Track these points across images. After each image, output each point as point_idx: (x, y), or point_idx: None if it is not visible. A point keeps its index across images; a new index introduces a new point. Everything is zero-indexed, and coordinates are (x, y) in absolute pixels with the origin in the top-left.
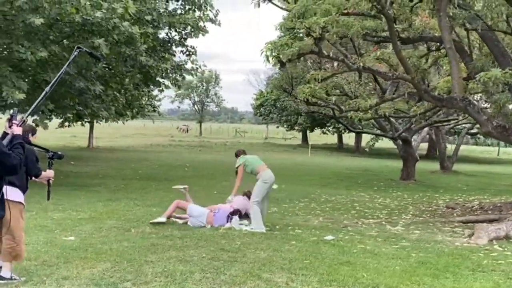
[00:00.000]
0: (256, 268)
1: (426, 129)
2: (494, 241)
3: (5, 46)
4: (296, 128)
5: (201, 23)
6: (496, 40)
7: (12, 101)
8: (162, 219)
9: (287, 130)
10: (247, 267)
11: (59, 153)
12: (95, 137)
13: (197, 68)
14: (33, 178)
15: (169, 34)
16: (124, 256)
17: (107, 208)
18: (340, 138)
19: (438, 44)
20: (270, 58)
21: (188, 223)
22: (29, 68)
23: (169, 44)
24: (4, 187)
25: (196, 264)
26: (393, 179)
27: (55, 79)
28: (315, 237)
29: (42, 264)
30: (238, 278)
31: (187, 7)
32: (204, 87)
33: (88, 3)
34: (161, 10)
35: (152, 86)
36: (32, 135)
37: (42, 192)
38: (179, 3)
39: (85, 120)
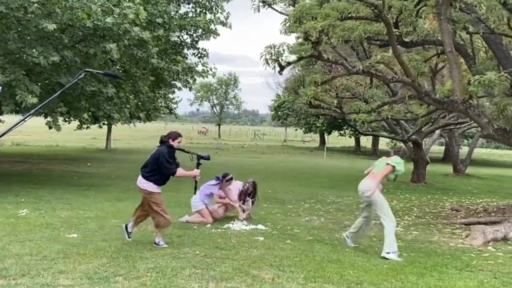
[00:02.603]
0: (246, 265)
1: (438, 131)
2: (490, 242)
3: (19, 51)
4: (314, 130)
5: (212, 26)
6: (499, 43)
7: (26, 105)
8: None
9: (304, 133)
10: (237, 264)
11: (203, 155)
12: (113, 139)
13: (207, 70)
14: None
15: (180, 37)
16: (121, 252)
17: (113, 208)
18: (357, 141)
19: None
20: (269, 62)
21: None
22: (42, 72)
23: (180, 47)
24: (141, 179)
25: (188, 260)
26: (404, 182)
27: (51, 97)
28: (311, 237)
29: (42, 259)
30: (226, 274)
31: (198, 10)
32: (223, 90)
33: (99, 9)
34: (173, 13)
35: (164, 88)
36: (173, 140)
37: (53, 192)
38: (190, 6)
39: (102, 122)
